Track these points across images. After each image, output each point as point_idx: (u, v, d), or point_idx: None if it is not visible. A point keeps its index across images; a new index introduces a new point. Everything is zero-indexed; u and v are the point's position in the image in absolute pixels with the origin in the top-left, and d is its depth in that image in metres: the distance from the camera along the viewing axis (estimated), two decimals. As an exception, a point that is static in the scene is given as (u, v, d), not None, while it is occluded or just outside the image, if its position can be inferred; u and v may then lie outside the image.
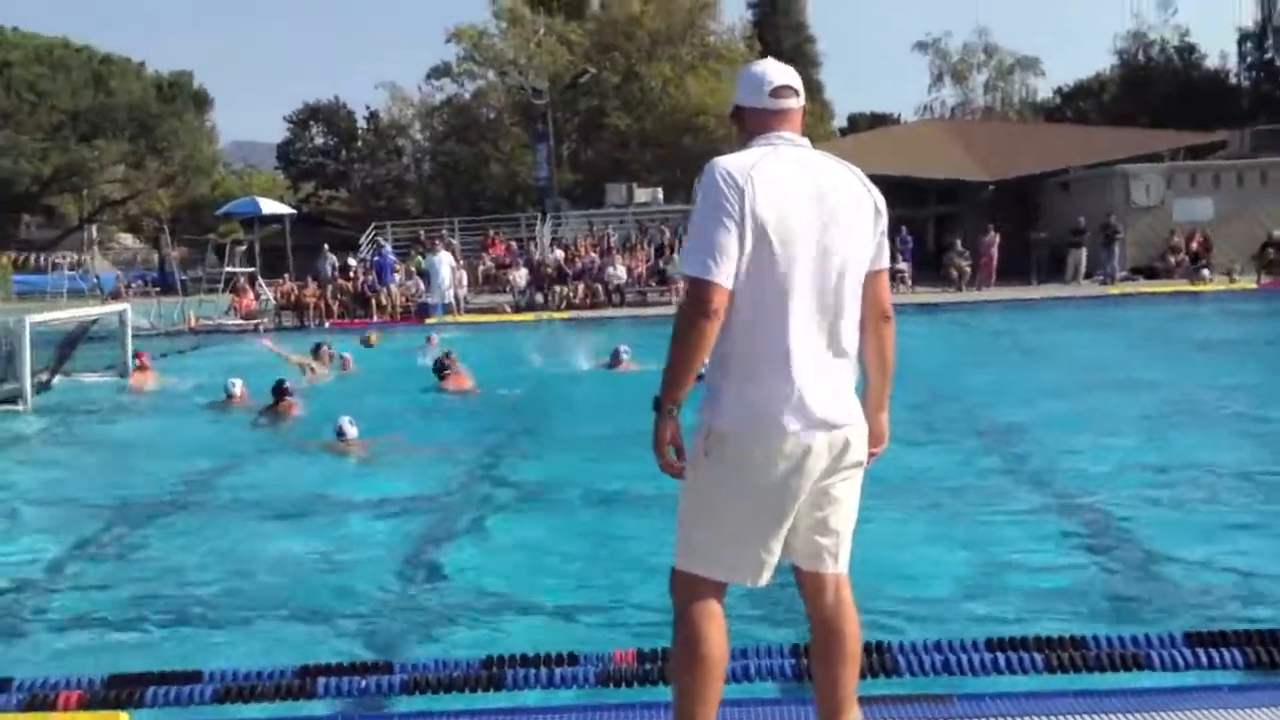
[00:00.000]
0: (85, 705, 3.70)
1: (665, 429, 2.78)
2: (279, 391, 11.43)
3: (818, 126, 54.57)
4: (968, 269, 27.75)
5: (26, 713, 3.63)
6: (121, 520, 7.63)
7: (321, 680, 3.87)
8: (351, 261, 28.71)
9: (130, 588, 6.09)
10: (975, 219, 29.87)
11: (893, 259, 27.65)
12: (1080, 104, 57.61)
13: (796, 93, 2.96)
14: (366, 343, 16.45)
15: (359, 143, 61.05)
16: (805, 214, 2.77)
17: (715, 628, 2.87)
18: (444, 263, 26.56)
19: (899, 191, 32.38)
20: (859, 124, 63.82)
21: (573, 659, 3.87)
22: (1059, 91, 60.38)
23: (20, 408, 13.04)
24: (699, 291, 2.68)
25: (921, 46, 61.33)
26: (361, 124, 61.03)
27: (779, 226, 2.72)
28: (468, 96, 54.13)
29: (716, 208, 2.72)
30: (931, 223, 31.20)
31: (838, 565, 2.94)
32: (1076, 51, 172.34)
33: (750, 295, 2.72)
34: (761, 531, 2.81)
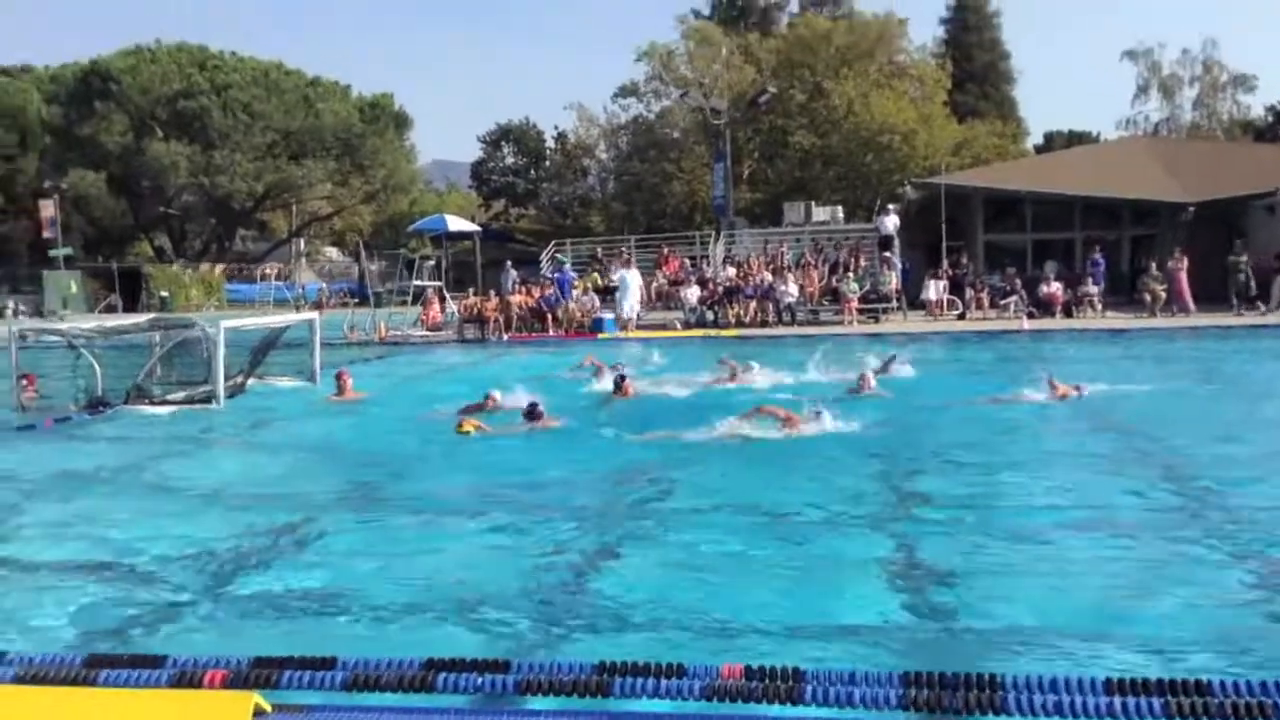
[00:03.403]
0: (228, 684, 3.98)
1: None
2: (532, 413, 11.58)
3: (1010, 145, 53.00)
4: (1162, 293, 26.39)
5: (175, 688, 3.93)
6: (293, 514, 8.11)
7: (442, 675, 4.05)
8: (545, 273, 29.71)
9: (291, 577, 6.48)
10: (1173, 241, 28.41)
11: (1080, 281, 26.92)
12: (1294, 124, 54.04)
13: None
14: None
15: (547, 162, 62.80)
16: None
17: None
18: (634, 280, 27.10)
19: (1091, 212, 31.24)
20: (1055, 142, 61.63)
21: (680, 671, 3.93)
22: (1272, 110, 56.75)
23: (215, 407, 14.00)
24: None
25: (1130, 55, 58.67)
26: (550, 144, 62.79)
27: None
28: (652, 116, 54.97)
29: None
30: (1126, 244, 29.82)
31: None
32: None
33: None
34: None
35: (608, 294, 28.64)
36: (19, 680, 3.98)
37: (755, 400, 12.36)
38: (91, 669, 4.06)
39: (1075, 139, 59.53)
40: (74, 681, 3.98)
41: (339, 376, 15.31)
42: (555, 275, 28.96)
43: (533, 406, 11.61)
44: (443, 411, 12.77)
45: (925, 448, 10.37)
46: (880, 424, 11.34)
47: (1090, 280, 27.39)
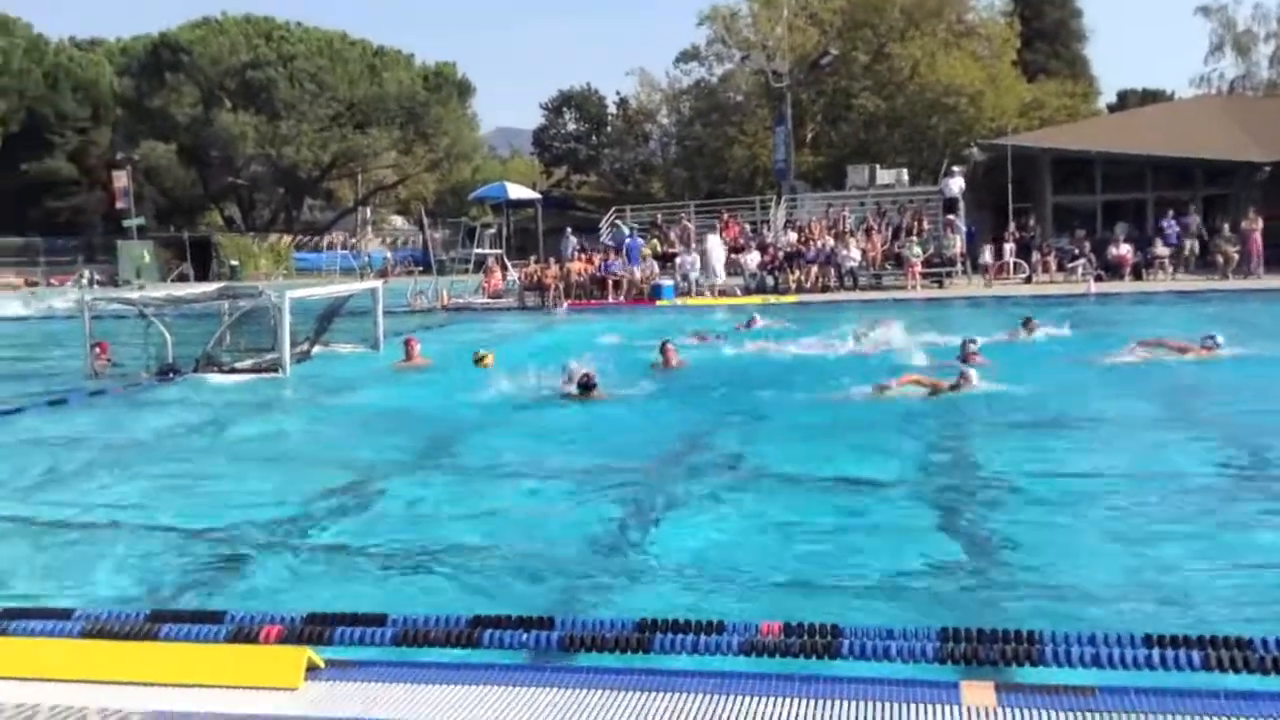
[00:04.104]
0: (282, 640, 4.12)
1: None
2: (586, 384, 11.44)
3: (1082, 105, 51.77)
4: (1235, 255, 25.72)
5: (232, 643, 4.08)
6: (353, 477, 8.31)
7: (488, 632, 4.15)
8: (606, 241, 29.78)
9: (348, 536, 6.66)
10: (1246, 201, 27.64)
11: (1151, 243, 26.31)
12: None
13: None
14: (480, 362, 14.67)
15: (609, 128, 62.71)
16: None
17: None
18: (717, 244, 26.99)
19: (1163, 172, 30.46)
20: (1129, 101, 60.08)
21: (719, 628, 3.99)
22: (1352, 64, 54.67)
23: (282, 374, 14.31)
24: None
25: (1204, 11, 56.81)
26: (612, 110, 62.66)
27: None
28: (715, 80, 54.56)
29: None
30: (1198, 206, 29.04)
31: None
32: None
33: None
34: None
35: (668, 261, 28.58)
36: (85, 635, 4.16)
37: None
38: (154, 624, 4.23)
39: (1149, 97, 57.89)
40: (137, 636, 4.15)
41: (407, 343, 15.50)
42: (625, 241, 28.83)
43: (586, 378, 11.46)
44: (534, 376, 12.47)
45: (1053, 409, 10.26)
46: (1025, 384, 11.15)
47: (1161, 242, 26.78)
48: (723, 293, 26.84)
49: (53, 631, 4.21)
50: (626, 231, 30.17)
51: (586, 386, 11.27)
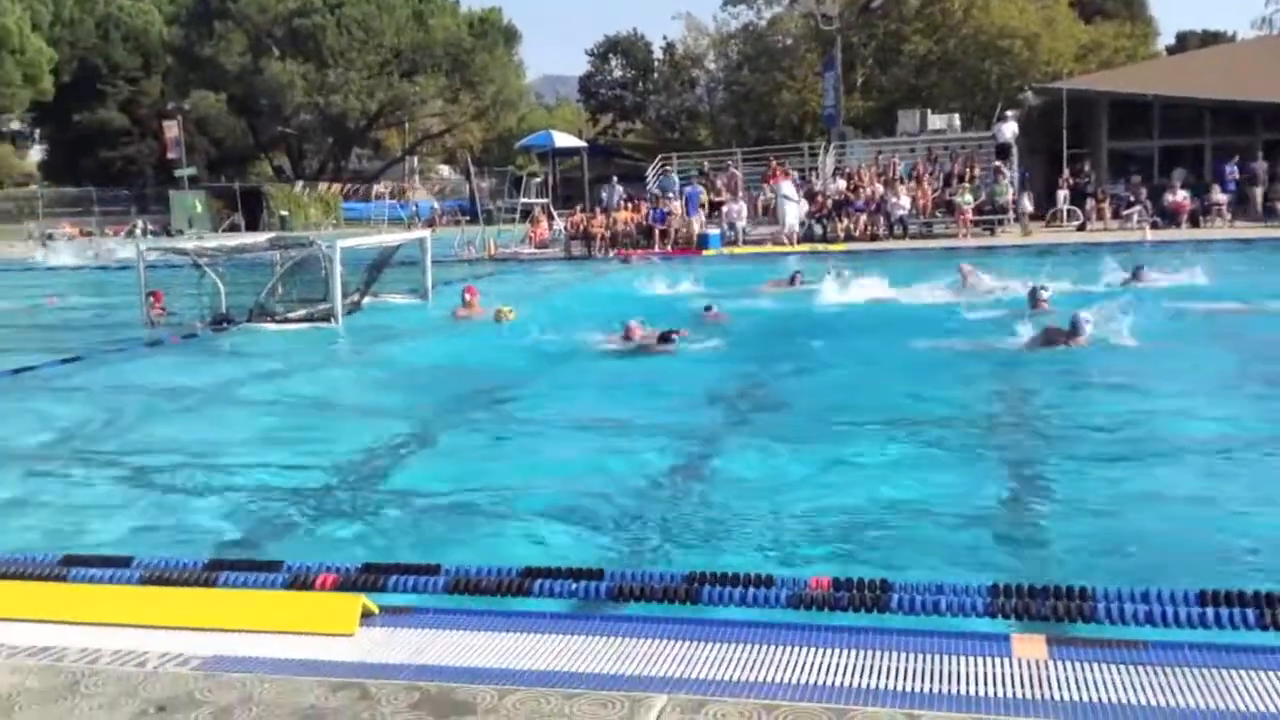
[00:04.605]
0: (338, 588, 4.20)
1: None
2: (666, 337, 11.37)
3: (1140, 48, 50.47)
4: (1297, 202, 25.06)
5: (289, 590, 4.17)
6: (407, 427, 8.41)
7: (539, 582, 4.20)
8: (656, 192, 29.53)
9: (404, 486, 6.75)
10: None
11: (1208, 190, 25.68)
12: None
13: None
14: (500, 317, 14.45)
15: (655, 74, 62.08)
16: None
17: None
18: (791, 191, 26.61)
19: (1221, 116, 29.65)
20: (1188, 43, 58.46)
21: (768, 581, 4.00)
22: None
23: (333, 324, 14.45)
24: None
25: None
26: (658, 55, 61.99)
27: None
28: (763, 24, 53.76)
29: None
30: (1258, 151, 28.25)
31: None
32: None
33: None
34: None
35: (715, 209, 28.35)
36: (144, 582, 4.26)
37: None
38: (212, 572, 4.32)
39: (1209, 39, 56.32)
40: (196, 584, 4.25)
41: (467, 291, 15.49)
42: (685, 189, 28.50)
43: (667, 333, 11.30)
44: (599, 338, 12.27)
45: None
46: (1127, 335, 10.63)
47: (1219, 188, 26.15)
48: (771, 241, 26.58)
49: (113, 579, 4.31)
50: (678, 181, 29.83)
51: (666, 338, 11.21)
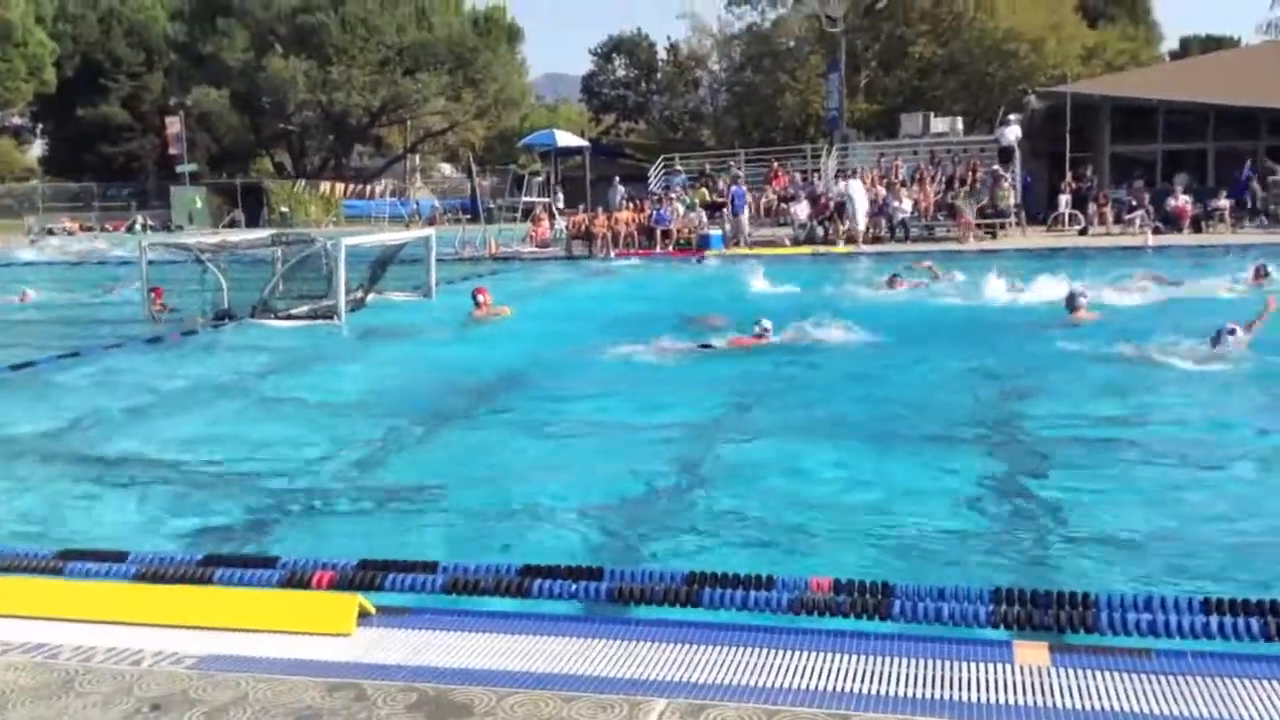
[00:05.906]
0: (334, 586, 4.16)
1: None
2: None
3: (1143, 52, 50.42)
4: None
5: (284, 588, 4.13)
6: (408, 424, 8.36)
7: (538, 581, 4.16)
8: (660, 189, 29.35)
9: (397, 484, 6.72)
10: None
11: (1212, 195, 25.66)
12: None
13: None
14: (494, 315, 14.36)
15: (658, 74, 62.05)
16: None
17: None
18: (860, 191, 26.20)
19: (1225, 121, 29.62)
20: (1191, 48, 58.41)
21: (769, 583, 3.96)
22: None
23: (337, 321, 14.42)
24: None
25: (1271, -45, 54.86)
26: (662, 55, 61.97)
27: None
28: (767, 24, 53.72)
29: None
30: (1260, 156, 28.23)
31: None
32: None
33: None
34: None
35: (716, 210, 28.30)
36: (140, 578, 4.23)
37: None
38: (207, 568, 4.28)
39: (1213, 44, 56.23)
40: (191, 578, 4.21)
41: (479, 292, 14.85)
42: (731, 189, 28.25)
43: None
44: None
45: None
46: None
47: (1223, 193, 26.13)
48: (772, 243, 26.55)
49: (108, 574, 4.28)
50: (738, 178, 29.53)
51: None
